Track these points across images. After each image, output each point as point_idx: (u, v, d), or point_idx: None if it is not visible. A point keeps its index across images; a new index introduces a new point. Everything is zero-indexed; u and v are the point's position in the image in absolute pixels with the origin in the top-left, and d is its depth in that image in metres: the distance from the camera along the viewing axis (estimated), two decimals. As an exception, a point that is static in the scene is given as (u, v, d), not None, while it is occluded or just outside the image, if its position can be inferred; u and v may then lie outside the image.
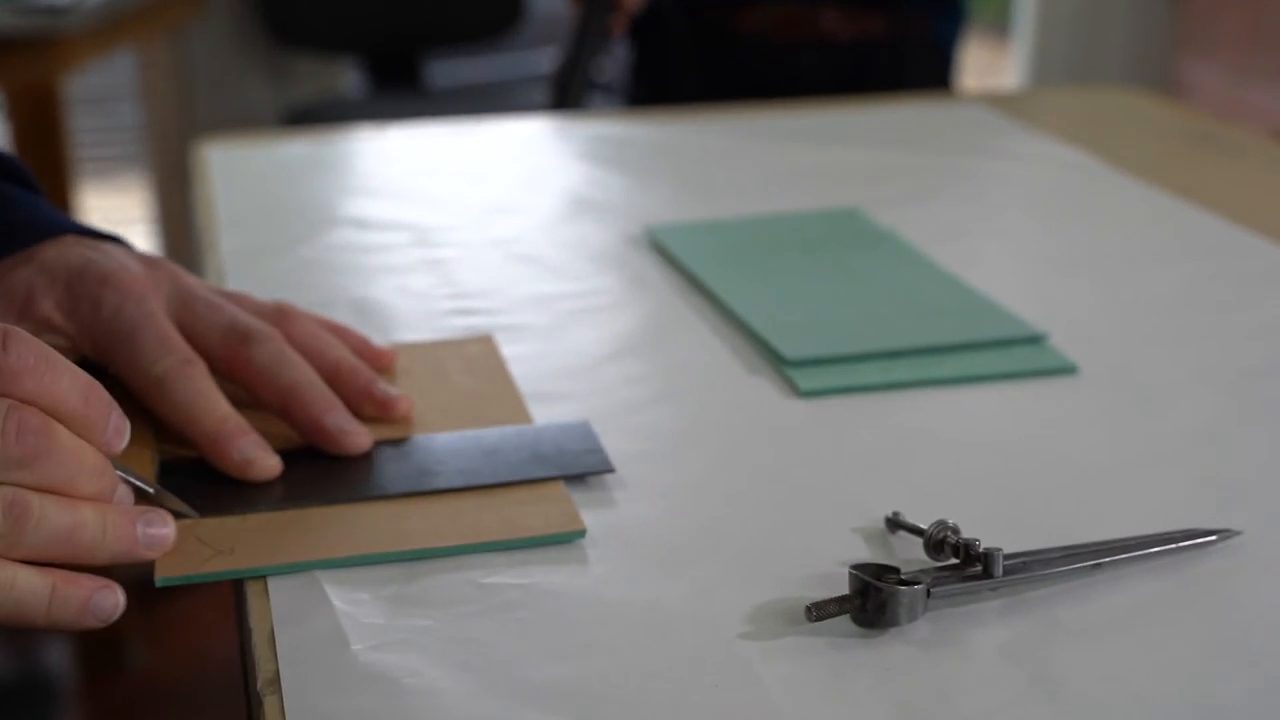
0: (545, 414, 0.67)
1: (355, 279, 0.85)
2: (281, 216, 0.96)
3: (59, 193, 2.01)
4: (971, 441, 0.65)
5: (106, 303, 0.62)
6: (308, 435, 0.62)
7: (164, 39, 2.61)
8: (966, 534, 0.54)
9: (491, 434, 0.64)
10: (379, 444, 0.62)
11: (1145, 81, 2.35)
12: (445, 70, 2.88)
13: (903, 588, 0.50)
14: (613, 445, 0.63)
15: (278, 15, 2.68)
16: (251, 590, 0.53)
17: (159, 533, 0.52)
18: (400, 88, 2.77)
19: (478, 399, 0.68)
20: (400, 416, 0.65)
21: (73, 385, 0.50)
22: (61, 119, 2.05)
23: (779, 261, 0.86)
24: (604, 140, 1.15)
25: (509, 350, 0.74)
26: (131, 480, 0.54)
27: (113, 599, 0.50)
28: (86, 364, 0.59)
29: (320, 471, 0.60)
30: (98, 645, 1.94)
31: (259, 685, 0.48)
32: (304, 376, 0.62)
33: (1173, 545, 0.55)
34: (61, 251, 0.64)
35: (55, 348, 0.51)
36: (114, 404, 0.52)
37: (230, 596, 0.55)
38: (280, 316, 0.66)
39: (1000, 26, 3.21)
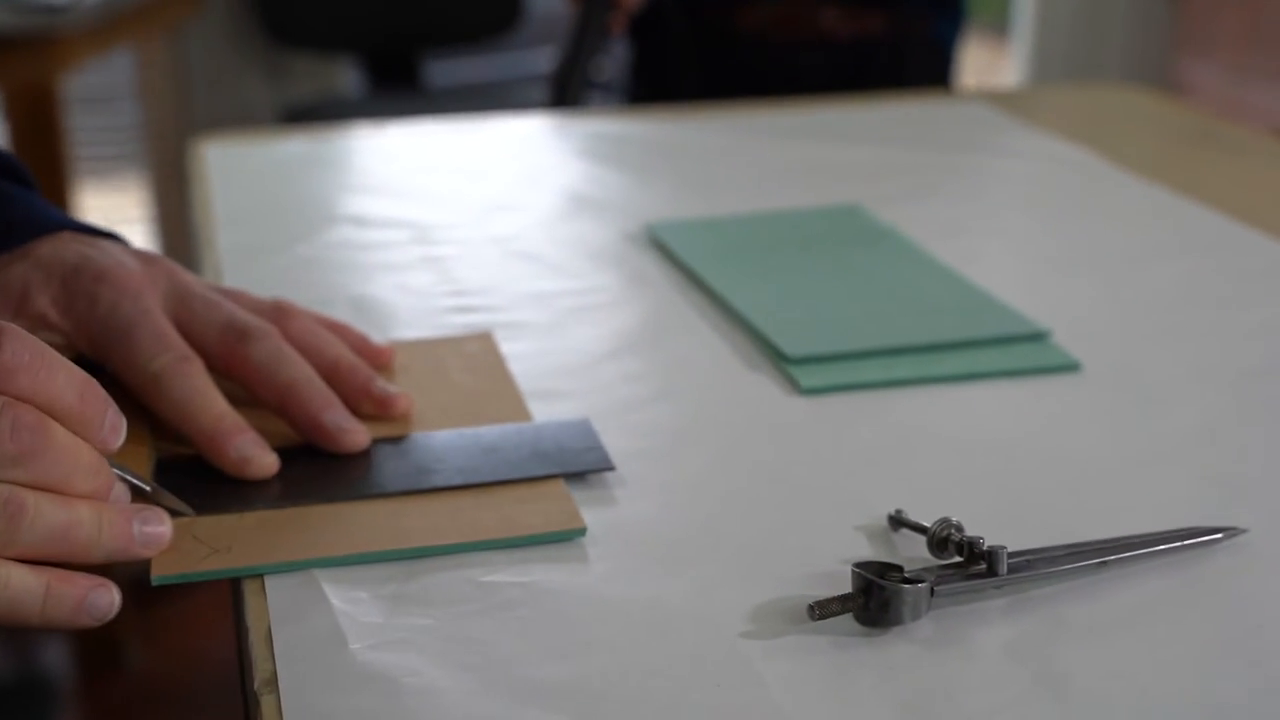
0: (545, 412, 0.66)
1: (354, 276, 0.84)
2: (280, 214, 0.96)
3: (57, 192, 2.01)
4: (974, 439, 0.64)
5: (103, 299, 0.61)
6: (306, 433, 0.61)
7: (162, 38, 2.61)
8: (969, 532, 0.53)
9: (491, 431, 0.63)
10: (377, 442, 0.62)
11: (1144, 81, 2.35)
12: (444, 70, 2.88)
13: (906, 586, 0.50)
14: (613, 443, 0.63)
15: (276, 14, 2.67)
16: (249, 589, 0.53)
17: (155, 531, 0.52)
18: (399, 87, 2.77)
19: (477, 396, 0.67)
20: (399, 414, 0.64)
21: (68, 382, 0.50)
22: (59, 118, 2.05)
23: (780, 258, 0.86)
24: (603, 138, 1.14)
25: (508, 348, 0.73)
26: (128, 478, 0.54)
27: (108, 598, 0.50)
28: (83, 361, 0.59)
29: (318, 469, 0.60)
30: (94, 645, 1.93)
31: (256, 685, 0.48)
32: (302, 374, 0.62)
33: (1178, 543, 0.55)
34: (57, 248, 0.63)
35: (51, 345, 0.51)
36: (110, 401, 0.51)
37: (227, 595, 0.54)
38: (278, 314, 0.65)
39: (999, 27, 3.20)
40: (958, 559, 0.53)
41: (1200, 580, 0.54)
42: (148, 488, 0.55)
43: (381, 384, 0.64)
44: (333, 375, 0.63)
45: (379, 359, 0.69)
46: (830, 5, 1.60)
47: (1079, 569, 0.53)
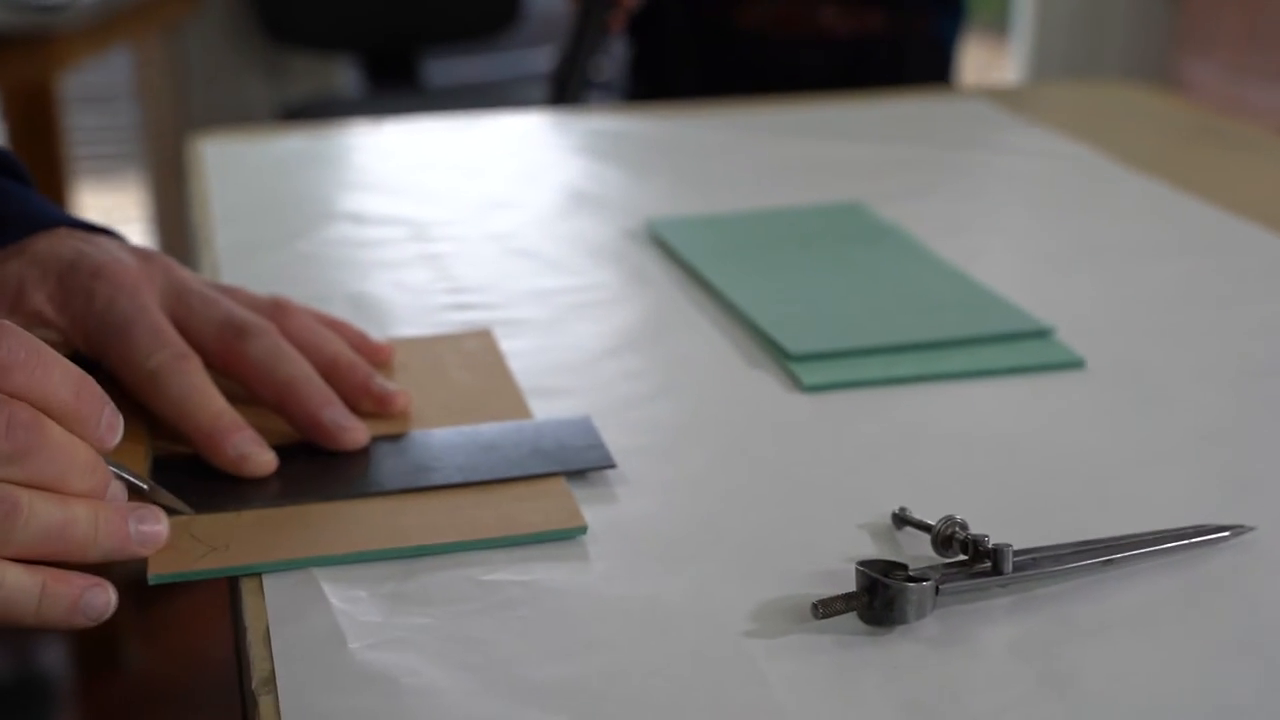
0: (545, 409, 0.66)
1: (352, 274, 0.84)
2: (278, 211, 0.95)
3: (55, 191, 2.00)
4: (978, 436, 0.64)
5: (99, 296, 0.61)
6: (304, 430, 0.61)
7: (160, 37, 2.61)
8: (974, 530, 0.53)
9: (490, 429, 0.63)
10: (376, 439, 0.62)
11: (1144, 80, 2.34)
12: (442, 69, 2.87)
13: (911, 584, 0.49)
14: (613, 440, 0.62)
15: (274, 13, 2.67)
16: (246, 588, 0.52)
17: (152, 529, 0.52)
18: (397, 86, 2.77)
19: (476, 394, 0.67)
20: (398, 412, 0.64)
21: (64, 380, 0.49)
22: (57, 117, 2.04)
23: (781, 256, 0.85)
24: (602, 134, 1.14)
25: (508, 345, 0.73)
26: (125, 476, 0.53)
27: (104, 597, 0.49)
28: (79, 358, 0.58)
29: (317, 467, 0.60)
30: (92, 644, 1.93)
31: (254, 684, 0.47)
32: (300, 371, 0.62)
33: (1185, 541, 0.54)
34: (54, 244, 0.63)
35: (47, 342, 0.51)
36: (107, 399, 0.51)
37: (225, 594, 0.54)
38: (276, 311, 0.65)
39: (999, 26, 3.20)
40: (962, 557, 0.53)
41: (1207, 579, 0.53)
42: (145, 486, 0.54)
43: (380, 381, 0.64)
44: (331, 372, 0.63)
45: (378, 356, 0.68)
46: (829, 3, 1.59)
47: (1084, 567, 0.53)
